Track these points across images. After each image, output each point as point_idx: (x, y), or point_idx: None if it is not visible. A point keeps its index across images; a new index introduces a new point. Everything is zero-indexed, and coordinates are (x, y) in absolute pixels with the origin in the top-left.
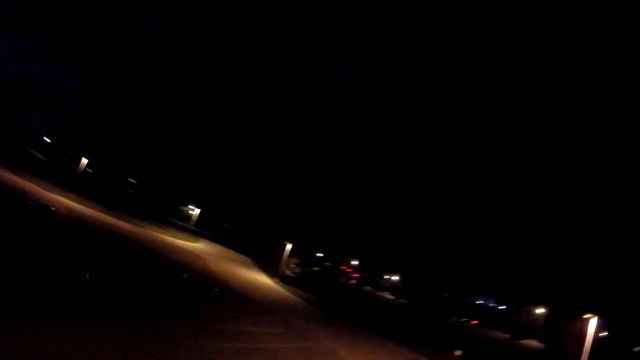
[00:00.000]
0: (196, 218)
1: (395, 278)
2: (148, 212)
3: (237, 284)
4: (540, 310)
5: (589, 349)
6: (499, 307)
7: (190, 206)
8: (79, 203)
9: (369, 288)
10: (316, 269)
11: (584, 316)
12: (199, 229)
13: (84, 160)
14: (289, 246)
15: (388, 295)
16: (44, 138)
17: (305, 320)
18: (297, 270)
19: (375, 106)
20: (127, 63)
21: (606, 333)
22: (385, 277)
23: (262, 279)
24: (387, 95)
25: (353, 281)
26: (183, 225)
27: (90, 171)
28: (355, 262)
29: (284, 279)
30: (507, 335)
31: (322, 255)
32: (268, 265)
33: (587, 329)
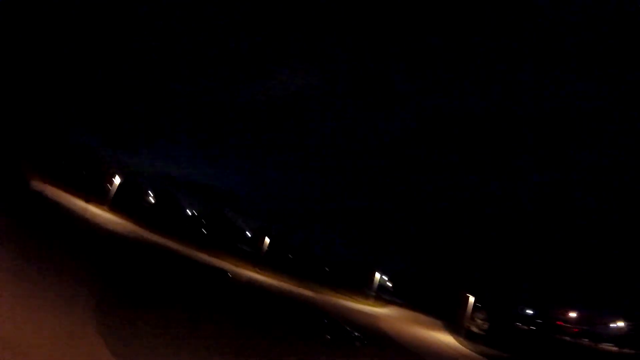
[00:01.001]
0: (383, 283)
1: (621, 324)
2: (327, 280)
3: (399, 337)
4: None
5: None
6: None
7: (379, 275)
8: (260, 274)
9: (586, 340)
10: (518, 324)
11: None
12: (387, 295)
13: (267, 240)
14: (471, 299)
15: (609, 347)
16: (246, 232)
17: None
18: (485, 326)
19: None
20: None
21: None
22: (610, 325)
23: (440, 337)
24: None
25: (567, 337)
26: (367, 291)
27: (290, 257)
28: (572, 314)
29: (469, 337)
30: None
31: (527, 310)
32: (451, 322)
33: None
